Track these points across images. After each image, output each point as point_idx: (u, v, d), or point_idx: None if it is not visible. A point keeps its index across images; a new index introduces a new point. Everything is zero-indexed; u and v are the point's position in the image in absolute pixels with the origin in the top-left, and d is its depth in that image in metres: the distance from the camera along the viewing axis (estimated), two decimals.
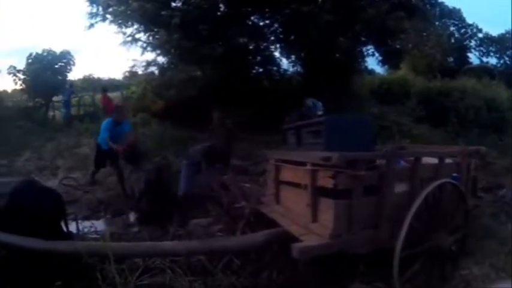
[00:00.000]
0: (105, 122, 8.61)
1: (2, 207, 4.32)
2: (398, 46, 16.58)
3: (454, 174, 4.53)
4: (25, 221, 4.24)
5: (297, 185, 4.36)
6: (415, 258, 3.79)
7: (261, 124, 11.47)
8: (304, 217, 4.05)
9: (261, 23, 15.58)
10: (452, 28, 34.44)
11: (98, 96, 19.90)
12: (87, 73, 32.94)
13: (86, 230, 6.06)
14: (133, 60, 16.32)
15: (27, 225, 4.21)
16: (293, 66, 17.71)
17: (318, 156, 3.72)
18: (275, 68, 17.25)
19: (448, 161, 4.59)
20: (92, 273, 3.99)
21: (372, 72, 20.76)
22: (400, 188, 3.96)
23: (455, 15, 34.55)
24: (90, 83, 25.57)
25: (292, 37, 14.95)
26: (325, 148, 3.97)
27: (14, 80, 18.52)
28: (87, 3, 15.14)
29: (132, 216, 7.08)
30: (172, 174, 7.31)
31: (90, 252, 4.11)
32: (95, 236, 5.70)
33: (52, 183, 8.43)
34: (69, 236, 4.94)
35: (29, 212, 4.34)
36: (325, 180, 3.64)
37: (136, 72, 17.84)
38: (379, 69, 21.93)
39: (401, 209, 3.77)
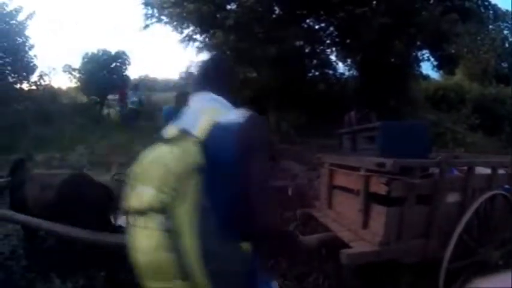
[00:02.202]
0: (164, 110, 8.31)
1: (51, 198, 4.63)
2: (453, 51, 16.21)
3: (506, 186, 4.37)
4: (73, 212, 4.47)
5: (349, 190, 4.33)
6: (461, 271, 3.71)
7: (317, 128, 11.39)
8: (355, 223, 4.03)
9: (317, 26, 15.54)
10: (505, 32, 32.97)
11: (154, 97, 20.32)
12: (143, 73, 33.54)
13: None
14: (189, 61, 16.58)
15: (75, 216, 4.42)
16: (349, 70, 17.64)
17: (372, 161, 3.69)
18: (331, 72, 17.19)
19: (500, 171, 4.41)
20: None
21: (427, 77, 20.31)
22: (452, 197, 3.87)
23: (508, 18, 32.98)
24: (146, 83, 26.03)
25: (348, 40, 14.84)
26: (380, 154, 3.96)
27: (69, 77, 19.26)
28: (142, 6, 15.53)
29: None
30: None
31: None
32: None
33: (104, 178, 8.65)
34: (118, 229, 5.14)
35: (76, 203, 4.55)
36: (379, 186, 3.59)
37: (192, 73, 18.13)
38: (434, 75, 21.46)
39: (452, 219, 3.71)
